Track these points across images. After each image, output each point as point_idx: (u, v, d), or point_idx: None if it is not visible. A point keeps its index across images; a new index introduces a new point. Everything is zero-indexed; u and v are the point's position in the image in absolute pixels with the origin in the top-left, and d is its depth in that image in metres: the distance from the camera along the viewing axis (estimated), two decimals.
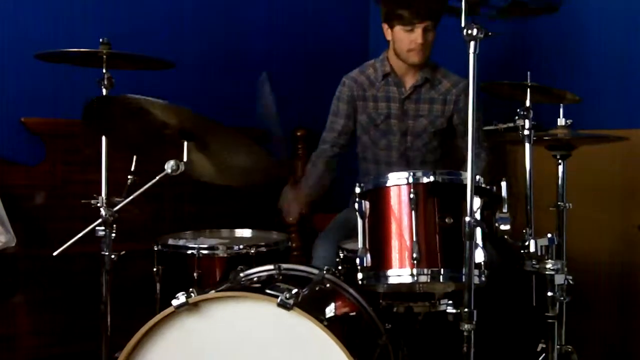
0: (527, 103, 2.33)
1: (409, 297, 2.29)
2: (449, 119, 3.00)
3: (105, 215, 2.30)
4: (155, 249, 2.59)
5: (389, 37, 2.94)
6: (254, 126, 3.58)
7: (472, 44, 1.85)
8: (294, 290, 1.88)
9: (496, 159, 3.00)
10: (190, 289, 1.94)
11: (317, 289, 2.17)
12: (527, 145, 2.29)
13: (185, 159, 2.18)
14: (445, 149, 3.08)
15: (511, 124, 2.32)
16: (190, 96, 3.40)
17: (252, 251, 2.52)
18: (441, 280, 2.03)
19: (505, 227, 2.06)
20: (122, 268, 2.41)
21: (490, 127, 2.41)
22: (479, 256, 1.99)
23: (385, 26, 2.93)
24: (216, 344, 1.94)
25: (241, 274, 2.29)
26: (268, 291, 1.95)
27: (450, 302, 2.12)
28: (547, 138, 2.45)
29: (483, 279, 2.03)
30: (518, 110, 2.29)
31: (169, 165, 2.15)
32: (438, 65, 3.01)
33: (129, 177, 2.45)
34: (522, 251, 2.17)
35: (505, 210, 2.07)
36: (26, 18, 3.03)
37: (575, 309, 2.40)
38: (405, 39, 2.84)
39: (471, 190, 1.83)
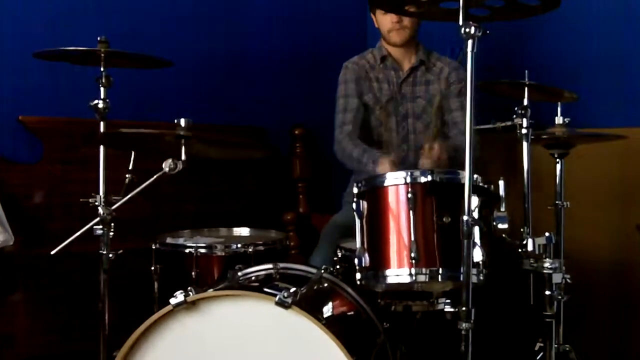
0: (525, 102, 2.33)
1: (407, 296, 2.29)
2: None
3: (103, 213, 2.30)
4: (154, 247, 2.59)
5: (376, 25, 3.08)
6: (251, 124, 3.62)
7: (470, 42, 1.85)
8: (292, 289, 1.88)
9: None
10: (189, 288, 1.94)
11: (315, 288, 2.17)
12: (524, 144, 2.29)
13: (183, 157, 2.18)
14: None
15: (509, 123, 2.32)
16: (189, 94, 3.41)
17: (250, 250, 2.52)
18: (439, 279, 2.02)
19: (503, 226, 2.07)
20: (120, 267, 2.41)
21: (488, 126, 2.41)
22: (477, 255, 1.99)
23: (372, 16, 3.08)
24: (214, 342, 1.94)
25: (239, 273, 2.29)
26: (266, 290, 1.95)
27: (448, 301, 2.12)
28: (545, 137, 2.46)
29: (481, 277, 2.03)
30: (516, 108, 2.29)
31: (167, 164, 2.16)
32: (432, 51, 3.12)
33: (127, 175, 2.45)
34: (520, 250, 2.17)
35: (503, 209, 2.07)
36: (24, 16, 3.02)
37: (573, 307, 2.40)
38: (385, 20, 2.99)
39: (469, 189, 1.83)
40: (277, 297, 1.85)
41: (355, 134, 2.99)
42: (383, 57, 3.07)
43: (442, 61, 3.10)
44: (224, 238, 2.74)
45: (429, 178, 2.05)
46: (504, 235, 2.09)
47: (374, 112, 3.06)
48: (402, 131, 3.04)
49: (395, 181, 2.08)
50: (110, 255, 2.37)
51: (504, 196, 2.08)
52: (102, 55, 2.39)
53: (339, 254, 2.49)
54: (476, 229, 1.95)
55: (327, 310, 2.16)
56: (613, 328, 3.03)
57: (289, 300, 1.85)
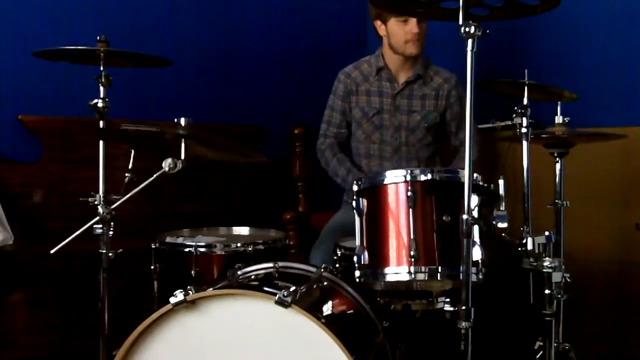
0: (525, 101, 2.33)
1: (407, 294, 2.29)
2: (442, 115, 3.05)
3: (103, 213, 2.30)
4: (153, 246, 2.58)
5: (382, 33, 3.01)
6: (251, 124, 3.62)
7: (469, 41, 1.84)
8: (292, 288, 1.88)
9: (484, 155, 3.03)
10: (188, 287, 1.94)
11: (314, 286, 2.17)
12: (524, 143, 2.28)
13: (183, 156, 2.18)
14: (439, 146, 3.10)
15: (509, 122, 2.32)
16: (188, 94, 3.42)
17: (250, 249, 2.52)
18: (439, 278, 2.02)
19: (502, 224, 2.06)
20: (119, 266, 2.41)
21: (487, 125, 2.41)
22: (476, 254, 1.99)
23: (377, 23, 3.01)
24: (214, 341, 1.94)
25: (239, 272, 2.28)
26: (266, 289, 1.95)
27: (448, 299, 2.12)
28: (544, 136, 2.46)
29: (480, 276, 2.03)
30: (515, 108, 2.28)
31: (167, 164, 2.16)
32: (430, 62, 3.07)
33: (126, 174, 2.45)
34: (519, 249, 2.17)
35: (502, 208, 2.07)
36: (24, 16, 3.02)
37: (573, 306, 2.40)
38: (401, 31, 2.91)
39: (469, 188, 1.83)
40: (277, 296, 1.85)
41: (337, 148, 3.10)
42: (379, 68, 3.03)
43: (440, 75, 3.04)
44: (223, 237, 2.74)
45: (429, 176, 2.06)
46: (503, 234, 2.08)
47: (361, 126, 3.06)
48: (395, 142, 3.02)
49: (395, 179, 2.08)
50: (110, 254, 2.37)
51: (503, 195, 2.08)
52: (102, 54, 2.39)
53: (339, 253, 2.49)
54: (476, 228, 1.95)
55: (327, 309, 2.16)
56: (613, 327, 3.02)
57: (289, 299, 1.84)
